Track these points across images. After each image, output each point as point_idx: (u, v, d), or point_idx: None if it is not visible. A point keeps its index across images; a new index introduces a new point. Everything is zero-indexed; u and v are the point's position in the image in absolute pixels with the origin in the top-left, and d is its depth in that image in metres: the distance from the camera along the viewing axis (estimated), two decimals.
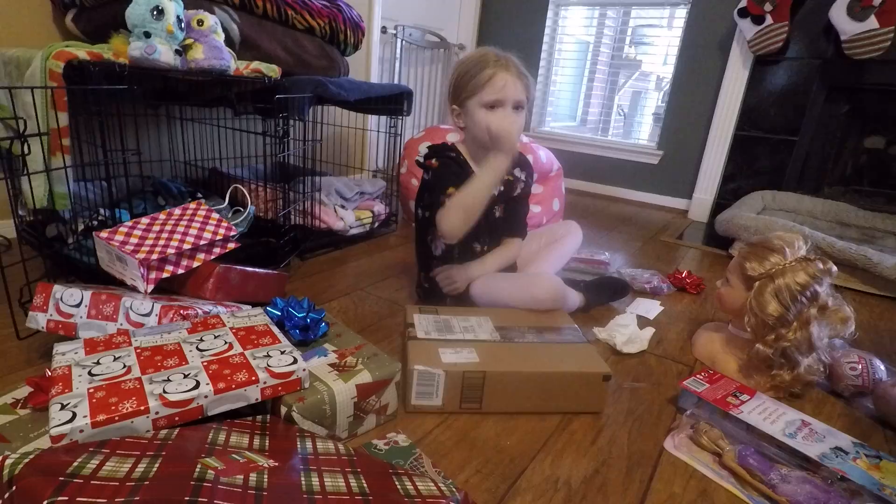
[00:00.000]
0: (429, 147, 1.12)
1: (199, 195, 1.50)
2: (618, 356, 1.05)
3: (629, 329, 1.09)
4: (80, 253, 1.15)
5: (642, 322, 1.19)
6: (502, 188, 1.12)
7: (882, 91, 1.97)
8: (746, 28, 2.06)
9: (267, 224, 1.42)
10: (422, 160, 1.10)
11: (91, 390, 0.61)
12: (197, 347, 0.73)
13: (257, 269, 1.12)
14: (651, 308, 1.27)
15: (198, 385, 0.64)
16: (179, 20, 1.07)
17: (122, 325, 0.83)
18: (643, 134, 2.80)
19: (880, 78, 1.93)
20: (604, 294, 1.28)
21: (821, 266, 0.90)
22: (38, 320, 0.84)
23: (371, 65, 2.39)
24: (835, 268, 0.90)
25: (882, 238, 1.80)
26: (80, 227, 1.19)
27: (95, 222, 1.21)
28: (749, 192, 2.17)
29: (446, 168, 1.06)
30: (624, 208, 2.50)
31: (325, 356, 0.81)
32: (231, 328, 0.79)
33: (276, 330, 0.80)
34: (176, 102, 1.59)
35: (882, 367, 0.93)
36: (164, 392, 0.62)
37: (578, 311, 1.22)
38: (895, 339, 1.23)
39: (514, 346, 0.91)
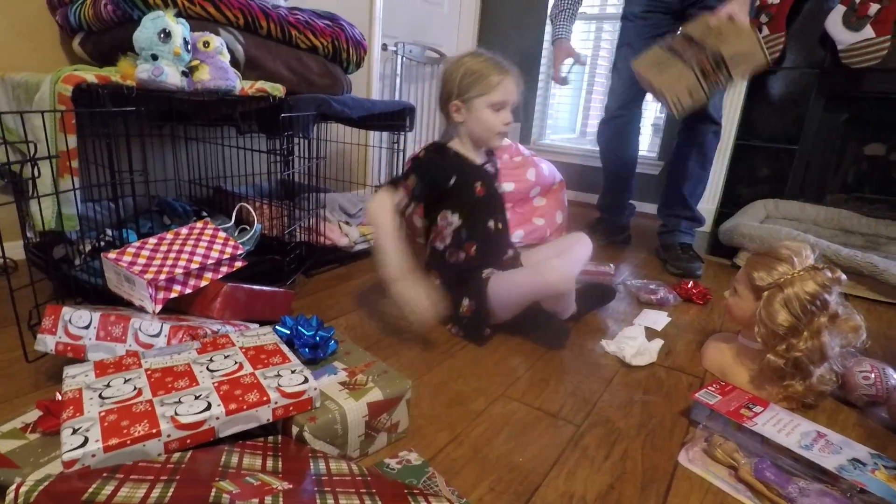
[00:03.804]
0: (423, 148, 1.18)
1: (205, 214, 1.51)
2: (627, 369, 1.05)
3: (637, 341, 1.08)
4: (88, 274, 1.15)
5: (650, 334, 1.19)
6: (495, 169, 1.22)
7: (880, 99, 1.98)
8: None
9: (272, 241, 1.42)
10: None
11: (102, 414, 0.61)
12: (207, 368, 0.73)
13: (264, 287, 1.12)
14: (658, 319, 1.27)
15: (209, 406, 0.64)
16: (186, 42, 1.08)
17: (130, 346, 0.83)
18: (643, 145, 2.80)
19: (878, 86, 1.94)
20: (591, 300, 1.28)
21: (829, 275, 0.90)
22: (47, 343, 0.84)
23: (372, 81, 2.41)
24: (843, 276, 0.90)
25: (886, 244, 1.80)
26: (88, 247, 1.20)
27: (102, 243, 1.21)
28: (751, 200, 2.17)
29: (430, 158, 1.13)
30: None
31: (335, 374, 0.80)
32: (241, 348, 0.79)
33: (285, 349, 0.80)
34: (181, 122, 1.60)
35: (895, 376, 0.92)
36: (176, 414, 0.62)
37: (571, 320, 1.22)
38: None
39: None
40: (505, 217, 1.23)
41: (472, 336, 1.13)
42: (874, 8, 1.75)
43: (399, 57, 2.52)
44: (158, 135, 1.66)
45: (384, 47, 2.47)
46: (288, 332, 0.85)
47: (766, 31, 2.00)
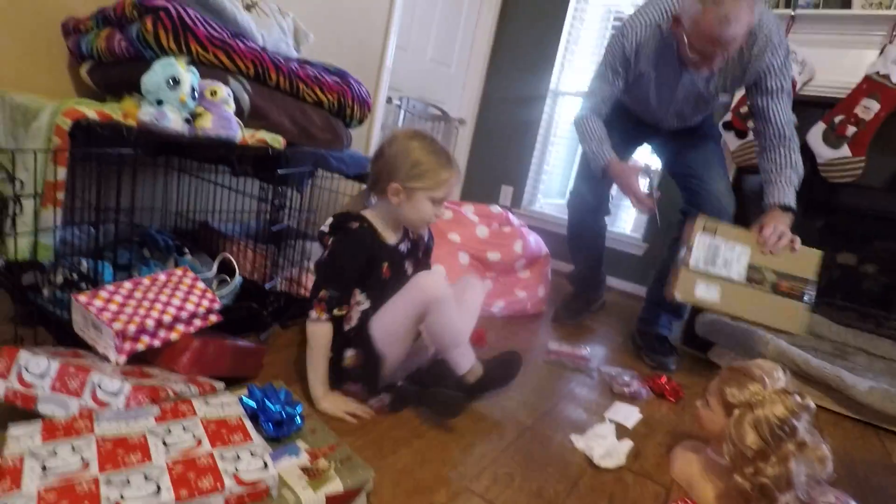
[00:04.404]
0: (333, 217, 1.11)
1: (187, 251, 1.49)
2: (594, 470, 1.03)
3: (607, 441, 1.07)
4: (55, 305, 1.11)
5: (620, 431, 1.18)
6: (410, 246, 1.18)
7: (853, 212, 2.08)
8: (730, 140, 2.18)
9: (252, 287, 1.40)
10: (326, 230, 1.09)
11: (41, 492, 0.57)
12: (163, 441, 0.70)
13: (236, 342, 1.10)
14: (630, 415, 1.26)
15: (158, 490, 0.61)
16: (193, 90, 1.09)
17: (86, 402, 0.79)
18: (628, 225, 2.88)
19: (851, 200, 2.04)
20: (497, 369, 1.18)
21: (799, 400, 0.91)
22: None
23: (373, 132, 2.45)
24: (812, 405, 0.91)
25: (853, 354, 1.84)
26: (59, 278, 1.16)
27: (75, 275, 1.18)
28: None
29: (339, 251, 1.07)
30: (607, 295, 2.53)
31: (297, 456, 0.77)
32: (202, 419, 0.76)
33: (248, 425, 0.77)
34: (176, 155, 1.60)
35: None
36: (122, 498, 0.58)
37: (479, 390, 1.13)
38: (870, 470, 1.23)
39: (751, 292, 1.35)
40: None
41: (369, 387, 1.08)
42: (851, 130, 1.87)
43: (402, 111, 2.59)
44: (152, 164, 1.65)
45: (388, 100, 2.53)
46: (254, 404, 0.82)
47: (751, 135, 2.11)
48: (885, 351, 1.81)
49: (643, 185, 1.50)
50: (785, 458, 0.87)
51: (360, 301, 1.10)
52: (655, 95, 1.57)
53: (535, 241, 1.95)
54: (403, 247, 1.16)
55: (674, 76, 1.50)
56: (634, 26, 1.46)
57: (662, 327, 1.72)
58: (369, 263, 1.09)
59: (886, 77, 1.78)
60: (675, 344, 1.76)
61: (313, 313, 1.03)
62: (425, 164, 1.05)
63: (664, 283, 1.68)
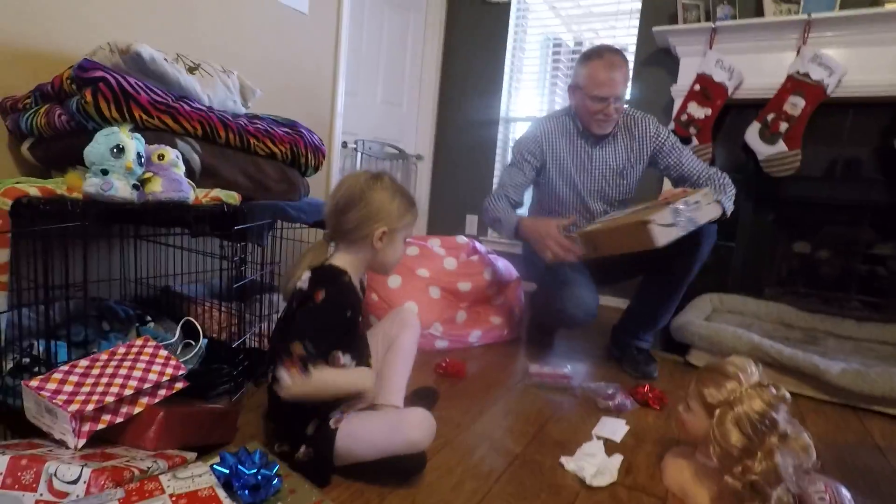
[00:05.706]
0: (314, 271, 1.00)
1: (149, 319, 1.43)
2: (588, 490, 1.01)
3: (597, 459, 1.06)
4: (6, 394, 1.05)
5: (609, 446, 1.16)
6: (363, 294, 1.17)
7: (800, 203, 2.18)
8: None
9: (220, 347, 1.35)
10: (306, 287, 0.98)
11: None
12: None
13: (206, 407, 1.05)
14: (617, 429, 1.25)
15: None
16: (139, 156, 1.08)
17: (42, 495, 0.74)
18: None
19: (796, 191, 2.14)
20: (418, 403, 1.21)
21: (774, 392, 0.92)
22: None
23: (331, 177, 2.46)
24: (788, 394, 0.93)
25: (823, 339, 1.89)
26: (9, 364, 1.10)
27: (27, 359, 1.12)
28: (699, 293, 2.27)
29: (332, 307, 0.96)
30: None
31: None
32: (171, 495, 0.72)
33: (222, 495, 0.73)
34: (130, 222, 1.56)
35: (848, 496, 0.93)
36: None
37: None
38: (854, 452, 1.25)
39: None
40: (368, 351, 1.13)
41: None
42: (784, 126, 1.98)
43: (359, 153, 2.61)
44: (106, 234, 1.60)
45: (344, 145, 2.55)
46: (227, 471, 0.78)
47: (695, 141, 2.21)
48: (851, 331, 1.87)
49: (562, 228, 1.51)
50: (770, 453, 0.88)
51: (346, 364, 1.01)
52: (577, 174, 1.74)
53: (503, 266, 1.96)
54: (361, 293, 1.12)
55: (587, 152, 1.72)
56: (540, 119, 1.79)
57: (641, 340, 1.73)
58: (353, 318, 1.01)
59: (806, 75, 1.91)
60: (653, 352, 1.77)
61: (286, 376, 0.89)
62: (403, 207, 1.06)
63: (642, 297, 1.71)
